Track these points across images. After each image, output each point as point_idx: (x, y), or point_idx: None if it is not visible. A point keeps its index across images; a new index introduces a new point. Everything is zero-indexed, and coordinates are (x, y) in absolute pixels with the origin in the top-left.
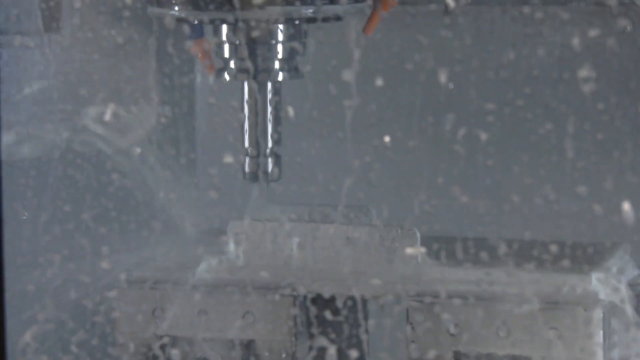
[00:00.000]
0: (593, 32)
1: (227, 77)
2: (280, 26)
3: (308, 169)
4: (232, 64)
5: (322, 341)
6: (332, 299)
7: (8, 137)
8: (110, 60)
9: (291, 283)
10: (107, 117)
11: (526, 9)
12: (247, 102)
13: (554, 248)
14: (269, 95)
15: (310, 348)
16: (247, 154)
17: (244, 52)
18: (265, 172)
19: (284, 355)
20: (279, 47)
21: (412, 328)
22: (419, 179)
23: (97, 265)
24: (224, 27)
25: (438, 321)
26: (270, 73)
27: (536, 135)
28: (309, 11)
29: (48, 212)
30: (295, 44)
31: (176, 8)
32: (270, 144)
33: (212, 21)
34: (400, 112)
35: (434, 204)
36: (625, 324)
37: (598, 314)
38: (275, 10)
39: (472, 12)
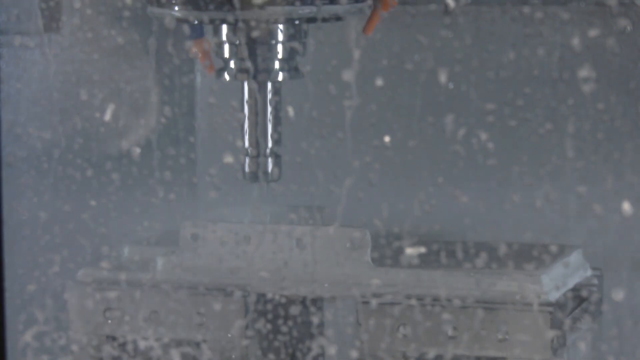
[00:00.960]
0: (593, 32)
1: (227, 77)
2: (280, 26)
3: (308, 169)
4: (232, 64)
5: (275, 342)
6: (286, 300)
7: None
8: (110, 60)
9: (243, 284)
10: (107, 117)
11: (526, 9)
12: (247, 102)
13: (504, 249)
14: (269, 95)
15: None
16: (247, 154)
17: (244, 52)
18: (265, 172)
19: (234, 357)
20: (279, 47)
21: (362, 328)
22: (419, 179)
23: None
24: (224, 27)
25: (388, 322)
26: (270, 73)
27: (536, 135)
28: (309, 11)
29: (48, 212)
30: (295, 44)
31: (176, 8)
32: (270, 144)
33: (212, 21)
34: (400, 112)
35: (434, 204)
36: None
37: (546, 314)
38: (275, 10)
39: (472, 12)
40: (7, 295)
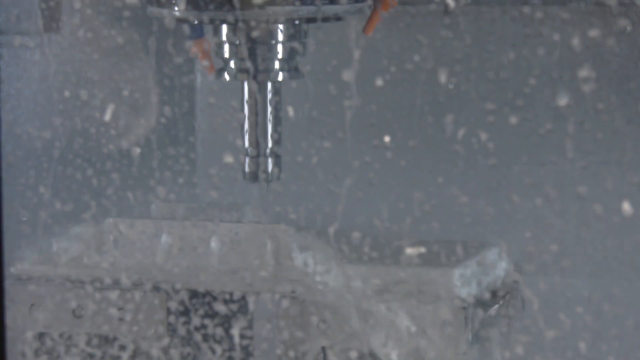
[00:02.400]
0: (593, 32)
1: (227, 77)
2: (280, 26)
3: (308, 169)
4: (232, 64)
5: (197, 338)
6: (208, 296)
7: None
8: (110, 60)
9: (161, 280)
10: (107, 117)
11: (526, 9)
12: (247, 102)
13: (422, 244)
14: (269, 95)
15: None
16: (247, 154)
17: (244, 52)
18: (265, 172)
19: (156, 353)
20: (279, 47)
21: (281, 324)
22: (419, 179)
23: None
24: (224, 27)
25: (306, 317)
26: (270, 73)
27: (536, 135)
28: (309, 11)
29: (48, 212)
30: (295, 44)
31: (176, 8)
32: (270, 144)
33: (212, 21)
34: (400, 112)
35: (434, 204)
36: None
37: (458, 309)
38: (275, 10)
39: (472, 12)
40: (7, 295)
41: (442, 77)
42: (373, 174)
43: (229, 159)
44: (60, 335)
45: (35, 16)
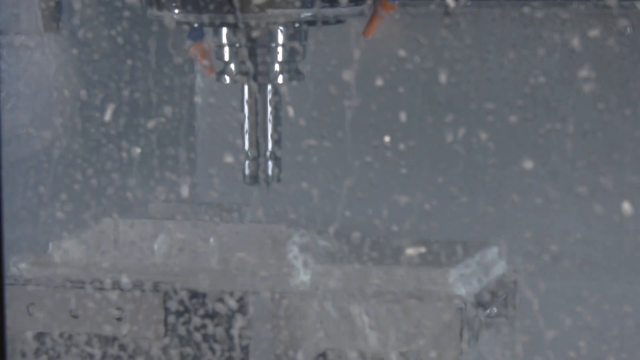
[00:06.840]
0: (593, 33)
1: (227, 79)
2: (281, 28)
3: (308, 169)
4: (232, 67)
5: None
6: (207, 296)
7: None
8: (110, 60)
9: (156, 281)
10: (107, 117)
11: (526, 10)
12: (247, 102)
13: (420, 244)
14: (269, 96)
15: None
16: (247, 158)
17: (244, 55)
18: (265, 173)
19: (153, 351)
20: (279, 50)
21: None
22: (419, 179)
23: None
24: (224, 30)
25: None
26: (270, 76)
27: (536, 135)
28: (309, 14)
29: (48, 211)
30: (296, 46)
31: (176, 11)
32: (270, 145)
33: (212, 24)
34: (400, 112)
35: (434, 204)
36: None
37: (455, 308)
38: (276, 13)
39: (472, 13)
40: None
41: (442, 77)
42: (373, 174)
43: (229, 159)
44: (60, 335)
45: (35, 16)
